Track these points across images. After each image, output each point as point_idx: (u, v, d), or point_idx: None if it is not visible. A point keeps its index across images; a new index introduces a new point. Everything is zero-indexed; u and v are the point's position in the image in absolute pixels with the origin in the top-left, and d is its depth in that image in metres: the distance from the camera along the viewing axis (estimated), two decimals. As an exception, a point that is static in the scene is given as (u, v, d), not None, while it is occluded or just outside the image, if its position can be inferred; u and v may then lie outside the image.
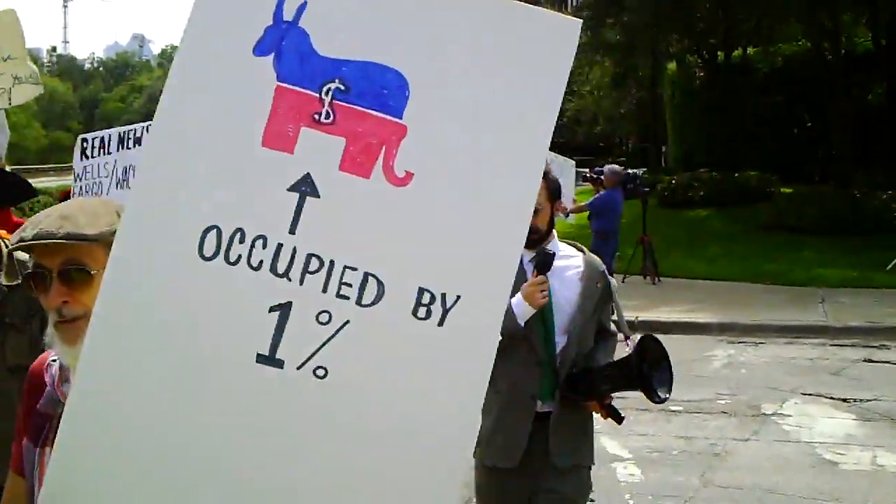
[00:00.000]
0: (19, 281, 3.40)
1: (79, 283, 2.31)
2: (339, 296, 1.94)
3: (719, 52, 28.91)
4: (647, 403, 9.37)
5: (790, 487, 6.90)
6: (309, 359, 1.93)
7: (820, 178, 26.85)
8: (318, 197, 1.96)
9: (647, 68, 34.63)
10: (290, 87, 2.00)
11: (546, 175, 3.96)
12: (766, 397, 9.53)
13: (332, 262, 1.94)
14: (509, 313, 3.84)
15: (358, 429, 1.92)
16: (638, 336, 4.37)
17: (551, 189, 4.23)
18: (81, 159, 7.99)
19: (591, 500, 6.64)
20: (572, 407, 4.25)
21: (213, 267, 1.93)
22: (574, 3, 38.78)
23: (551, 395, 4.15)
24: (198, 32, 2.01)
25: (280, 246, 1.94)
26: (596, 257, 4.35)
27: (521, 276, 3.99)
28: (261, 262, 1.93)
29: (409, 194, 1.98)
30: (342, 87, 2.00)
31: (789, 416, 8.90)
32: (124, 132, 7.69)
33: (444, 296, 1.95)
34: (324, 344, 1.94)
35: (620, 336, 4.87)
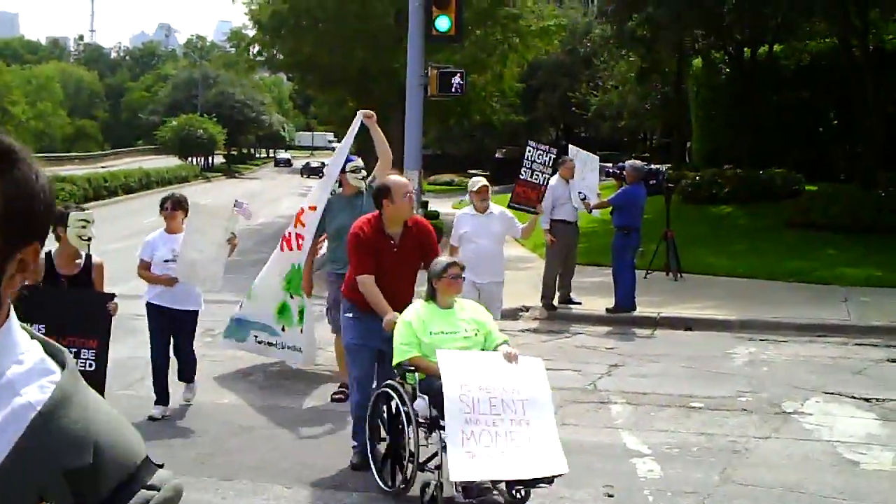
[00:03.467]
0: None
1: None
2: None
3: (745, 49, 28.75)
4: (667, 400, 9.36)
5: (810, 486, 6.87)
6: None
7: (845, 176, 26.69)
8: None
9: (673, 64, 34.51)
10: None
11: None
12: (788, 395, 9.48)
13: None
14: None
15: None
16: None
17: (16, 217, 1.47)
18: None
19: (611, 496, 6.66)
20: None
21: None
22: (600, -2, 38.52)
23: None
24: None
25: None
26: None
27: None
28: None
29: None
30: None
31: (810, 414, 8.86)
32: None
33: None
34: None
35: None
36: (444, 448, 5.99)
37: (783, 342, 12.26)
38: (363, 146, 10.45)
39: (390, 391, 6.66)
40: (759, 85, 28.23)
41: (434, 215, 23.12)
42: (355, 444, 7.32)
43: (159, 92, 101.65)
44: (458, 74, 19.29)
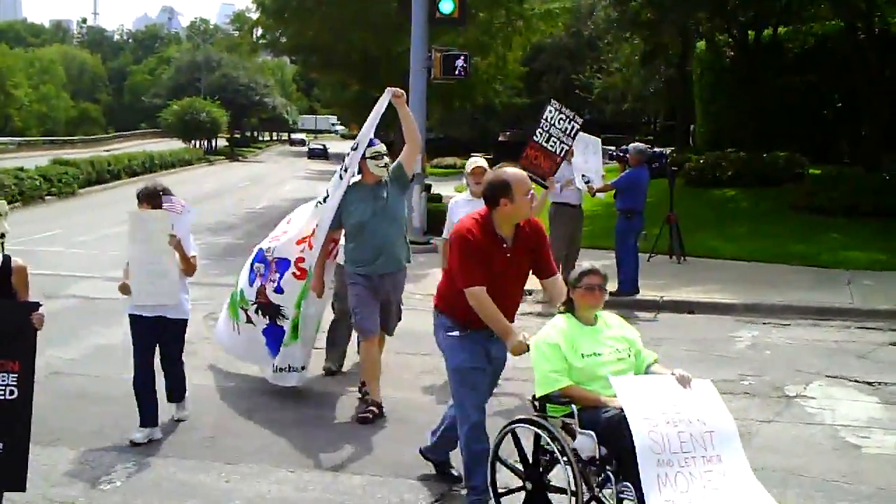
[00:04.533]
0: None
1: None
2: None
3: (750, 32, 28.63)
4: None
5: (813, 469, 6.88)
6: None
7: (850, 159, 26.64)
8: None
9: (677, 47, 34.39)
10: None
11: None
12: (791, 379, 9.49)
13: None
14: None
15: None
16: None
17: None
18: None
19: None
20: None
21: None
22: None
23: None
24: None
25: None
26: None
27: None
28: None
29: None
30: None
31: (813, 398, 8.86)
32: None
33: None
34: None
35: None
36: (617, 491, 5.11)
37: (786, 326, 12.27)
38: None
39: (534, 427, 5.58)
40: (764, 68, 28.13)
41: (437, 198, 23.11)
42: (474, 486, 6.08)
43: (162, 75, 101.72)
44: (462, 57, 19.28)
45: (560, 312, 5.80)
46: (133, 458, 7.02)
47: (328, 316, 9.68)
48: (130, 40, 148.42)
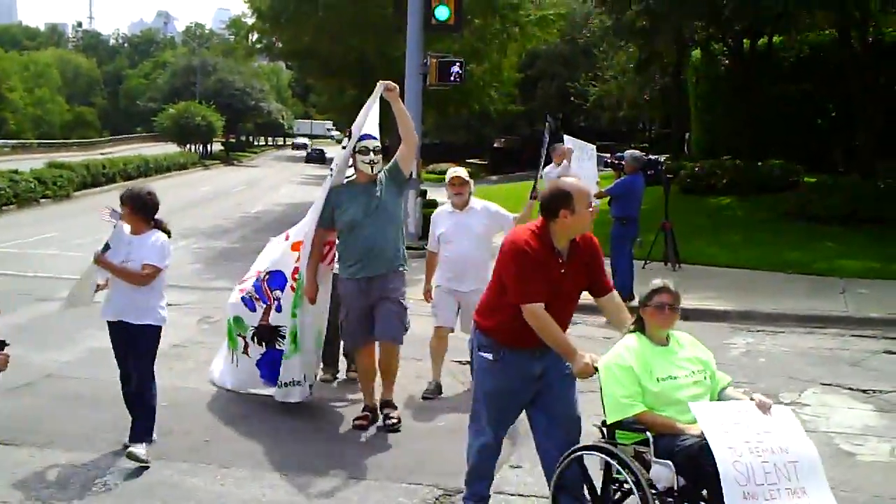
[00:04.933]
0: None
1: None
2: None
3: (745, 40, 28.69)
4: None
5: (807, 477, 6.87)
6: None
7: (844, 168, 26.69)
8: None
9: (672, 55, 34.44)
10: None
11: None
12: (785, 387, 9.50)
13: None
14: None
15: None
16: None
17: None
18: None
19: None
20: None
21: None
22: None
23: None
24: None
25: None
26: None
27: None
28: None
29: None
30: None
31: (807, 405, 8.87)
32: None
33: None
34: None
35: None
36: None
37: (781, 333, 12.27)
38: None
39: (605, 455, 5.17)
40: (759, 76, 28.19)
41: (433, 204, 23.11)
42: (473, 492, 5.93)
43: (158, 79, 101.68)
44: (457, 63, 19.31)
45: (630, 332, 5.49)
46: (127, 462, 7.00)
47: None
48: (126, 44, 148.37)
